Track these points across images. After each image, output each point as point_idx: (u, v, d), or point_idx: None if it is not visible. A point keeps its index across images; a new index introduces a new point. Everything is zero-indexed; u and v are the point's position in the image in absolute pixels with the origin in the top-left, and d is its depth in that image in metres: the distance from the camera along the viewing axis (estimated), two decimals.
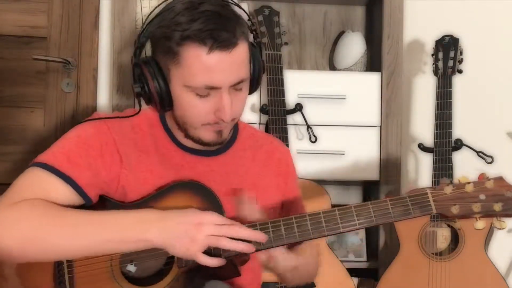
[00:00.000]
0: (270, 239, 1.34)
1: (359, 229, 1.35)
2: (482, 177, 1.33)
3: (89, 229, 1.31)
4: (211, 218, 1.31)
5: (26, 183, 1.37)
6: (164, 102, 1.39)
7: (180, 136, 1.47)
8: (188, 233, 1.29)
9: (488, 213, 1.31)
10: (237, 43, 1.34)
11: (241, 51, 1.36)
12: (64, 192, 1.37)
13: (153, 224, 1.30)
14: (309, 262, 1.57)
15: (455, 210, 1.31)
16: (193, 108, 1.37)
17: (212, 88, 1.35)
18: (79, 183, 1.37)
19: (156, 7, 1.42)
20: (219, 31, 1.32)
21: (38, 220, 1.31)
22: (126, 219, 1.32)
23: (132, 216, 1.33)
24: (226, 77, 1.35)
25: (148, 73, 1.38)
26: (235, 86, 1.37)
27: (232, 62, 1.35)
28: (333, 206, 1.40)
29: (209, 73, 1.33)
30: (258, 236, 1.32)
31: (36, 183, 1.37)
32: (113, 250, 1.34)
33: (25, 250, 1.30)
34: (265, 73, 2.29)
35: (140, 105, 1.44)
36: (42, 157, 1.39)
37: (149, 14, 1.42)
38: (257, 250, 1.34)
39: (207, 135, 1.42)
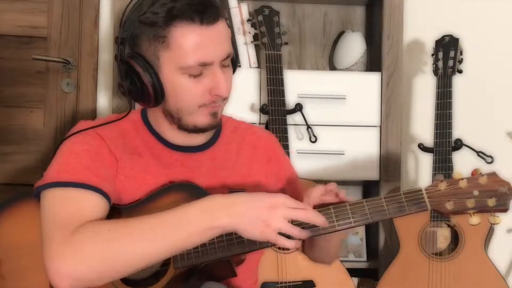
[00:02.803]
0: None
1: (354, 226, 1.35)
2: (476, 173, 1.34)
3: (163, 230, 1.26)
4: (284, 200, 1.28)
5: (63, 207, 1.32)
6: (158, 94, 1.38)
7: (167, 133, 1.47)
8: (261, 216, 1.25)
9: (482, 209, 1.31)
10: (221, 16, 1.37)
11: (224, 25, 1.39)
12: (103, 206, 1.34)
13: (222, 211, 1.26)
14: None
15: (449, 206, 1.32)
16: (188, 91, 1.37)
17: (205, 64, 1.36)
18: (109, 195, 1.36)
19: (131, 1, 1.41)
20: (204, 6, 1.34)
21: (109, 236, 1.25)
22: (193, 212, 1.27)
23: (197, 207, 1.28)
24: (216, 51, 1.36)
25: (138, 67, 1.37)
26: (223, 62, 1.39)
27: (219, 36, 1.37)
28: (329, 205, 1.39)
29: (200, 49, 1.34)
30: (324, 221, 1.31)
31: (74, 203, 1.32)
32: (189, 245, 1.29)
33: (106, 269, 1.25)
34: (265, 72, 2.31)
35: (130, 104, 1.43)
36: (61, 176, 1.35)
37: (125, 10, 1.41)
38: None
39: (203, 119, 1.42)
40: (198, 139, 1.48)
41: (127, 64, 1.39)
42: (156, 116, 1.47)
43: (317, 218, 1.30)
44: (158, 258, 1.29)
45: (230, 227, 1.27)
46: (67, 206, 1.32)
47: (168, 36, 1.34)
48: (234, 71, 1.48)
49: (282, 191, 1.55)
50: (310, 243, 1.56)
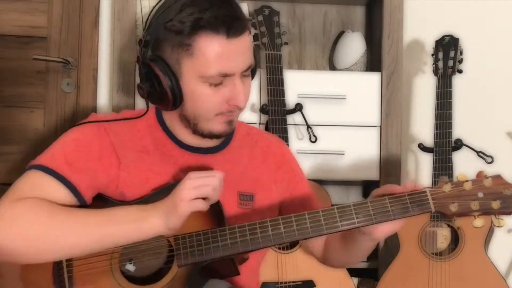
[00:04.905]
0: (269, 238, 1.35)
1: (358, 227, 1.35)
2: (481, 175, 1.34)
3: (93, 224, 1.32)
4: (187, 176, 1.33)
5: (26, 185, 1.38)
6: (176, 99, 1.39)
7: (181, 134, 1.48)
8: (174, 198, 1.30)
9: (486, 211, 1.31)
10: (247, 29, 1.38)
11: (249, 37, 1.40)
12: (63, 195, 1.38)
13: (154, 208, 1.32)
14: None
15: (453, 208, 1.32)
16: (207, 99, 1.39)
17: (226, 75, 1.37)
18: (78, 187, 1.38)
19: (156, 4, 1.42)
20: (231, 18, 1.35)
21: (43, 216, 1.31)
22: (129, 209, 1.34)
23: (134, 206, 1.35)
24: (239, 63, 1.38)
25: (159, 71, 1.38)
26: (244, 73, 1.40)
27: (243, 48, 1.38)
28: (333, 206, 1.39)
29: (223, 60, 1.35)
30: (219, 175, 1.34)
31: (36, 185, 1.37)
32: (121, 240, 1.34)
33: (30, 247, 1.30)
34: (265, 72, 2.31)
35: (147, 106, 1.44)
36: (41, 160, 1.40)
37: (150, 13, 1.42)
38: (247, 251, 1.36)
39: (219, 126, 1.43)
40: (211, 142, 1.49)
41: (148, 67, 1.39)
42: (171, 117, 1.48)
43: (215, 179, 1.32)
44: (86, 249, 1.34)
45: (160, 224, 1.31)
46: (28, 184, 1.37)
47: (193, 45, 1.35)
48: (252, 78, 1.48)
49: (291, 201, 1.56)
50: (346, 239, 1.51)
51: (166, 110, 1.46)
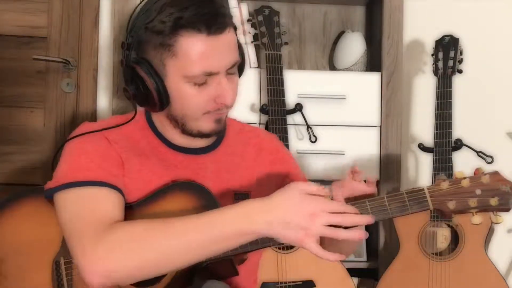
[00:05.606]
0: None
1: (357, 226, 1.35)
2: (478, 172, 1.33)
3: (197, 230, 1.25)
4: (322, 206, 1.25)
5: (82, 207, 1.32)
6: (163, 99, 1.38)
7: (171, 135, 1.47)
8: (300, 224, 1.23)
9: (484, 208, 1.31)
10: (229, 26, 1.37)
11: (232, 34, 1.39)
12: (118, 201, 1.35)
13: (259, 216, 1.24)
14: None
15: (451, 205, 1.31)
16: (193, 98, 1.37)
17: (211, 74, 1.36)
18: (123, 190, 1.37)
19: (137, 5, 1.41)
20: (212, 15, 1.34)
21: (144, 235, 1.25)
22: (229, 215, 1.26)
23: (233, 211, 1.26)
24: (222, 60, 1.36)
25: (143, 72, 1.37)
26: (229, 70, 1.39)
27: (226, 45, 1.37)
28: None
29: (207, 59, 1.34)
30: (368, 219, 1.27)
31: (90, 202, 1.33)
32: (223, 248, 1.27)
33: (140, 268, 1.25)
34: (265, 72, 2.31)
35: (135, 109, 1.44)
36: (71, 177, 1.35)
37: (131, 15, 1.41)
38: None
39: (207, 125, 1.42)
40: (202, 142, 1.49)
41: (133, 69, 1.38)
42: (160, 119, 1.47)
43: (357, 219, 1.27)
44: (191, 260, 1.27)
45: (267, 233, 1.25)
46: (91, 205, 1.32)
47: (175, 45, 1.34)
48: (240, 75, 1.47)
49: None
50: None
51: (154, 112, 1.45)
